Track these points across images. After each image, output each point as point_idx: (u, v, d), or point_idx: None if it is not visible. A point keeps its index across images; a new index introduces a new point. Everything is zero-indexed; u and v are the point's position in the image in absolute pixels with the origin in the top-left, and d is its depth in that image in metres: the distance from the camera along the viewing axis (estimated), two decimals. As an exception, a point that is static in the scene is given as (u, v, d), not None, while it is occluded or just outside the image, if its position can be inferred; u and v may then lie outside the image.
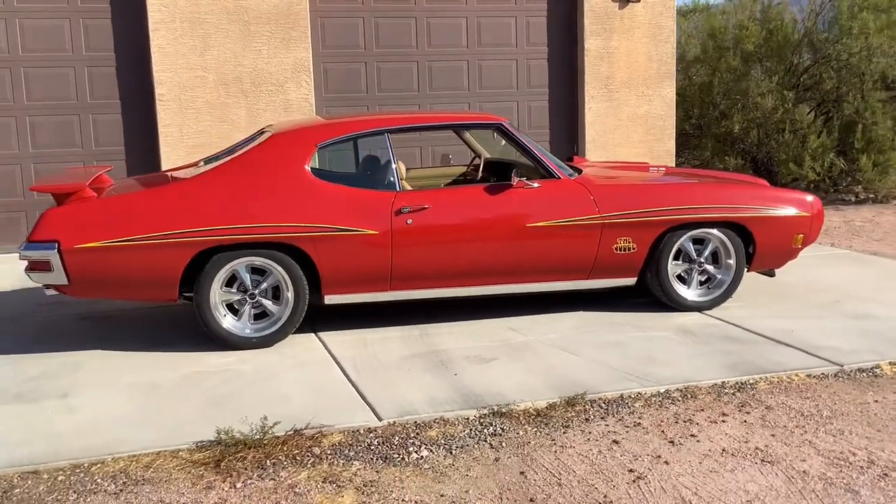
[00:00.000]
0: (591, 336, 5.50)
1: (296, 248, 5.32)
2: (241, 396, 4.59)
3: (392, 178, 5.56)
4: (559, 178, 5.75)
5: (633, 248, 5.77)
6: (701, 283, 6.04)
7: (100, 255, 5.07)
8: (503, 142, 6.20)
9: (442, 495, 3.56)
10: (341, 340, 5.53)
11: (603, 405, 4.40)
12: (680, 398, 4.48)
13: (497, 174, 6.46)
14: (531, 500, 3.52)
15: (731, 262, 5.99)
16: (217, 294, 5.29)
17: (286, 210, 5.30)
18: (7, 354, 5.41)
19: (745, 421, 4.20)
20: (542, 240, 5.62)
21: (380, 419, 4.23)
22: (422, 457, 3.90)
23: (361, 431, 4.14)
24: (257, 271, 5.39)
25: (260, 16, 9.21)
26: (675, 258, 5.93)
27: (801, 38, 12.07)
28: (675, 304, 5.95)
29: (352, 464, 3.85)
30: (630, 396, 4.49)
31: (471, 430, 4.16)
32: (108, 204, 5.24)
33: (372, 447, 4.00)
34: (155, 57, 9.00)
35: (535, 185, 5.65)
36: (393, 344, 5.44)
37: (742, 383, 4.64)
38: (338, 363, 5.08)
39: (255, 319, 5.43)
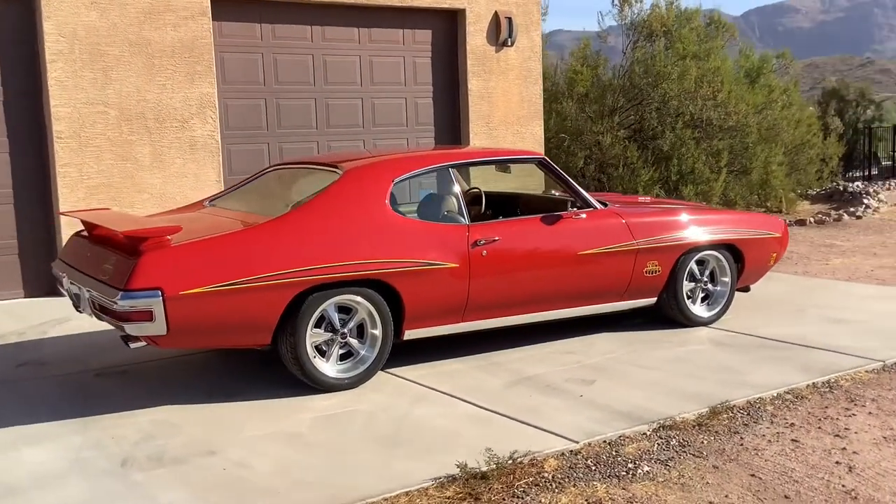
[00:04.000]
0: (646, 354, 5.90)
1: (384, 285, 5.26)
2: (404, 435, 4.50)
3: (462, 211, 5.66)
4: (597, 208, 6.13)
5: (659, 271, 6.28)
6: (702, 301, 6.66)
7: (203, 301, 4.72)
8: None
9: (711, 502, 3.80)
10: (421, 375, 5.51)
11: (742, 411, 4.82)
12: (794, 399, 5.01)
13: (492, 206, 6.71)
14: (786, 496, 3.85)
15: (727, 279, 6.68)
16: (309, 335, 5.10)
17: (375, 246, 5.24)
18: (62, 420, 4.84)
19: (870, 412, 4.81)
20: (592, 265, 5.97)
21: (576, 442, 4.35)
22: (647, 472, 4.10)
23: (566, 454, 4.25)
24: (342, 311, 5.25)
25: (164, 49, 8.74)
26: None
27: (623, 82, 13.35)
28: (687, 321, 6.52)
29: (592, 484, 3.97)
30: (755, 402, 4.95)
31: (657, 444, 4.41)
32: (205, 247, 4.89)
33: (591, 467, 4.13)
34: (52, 91, 8.24)
35: (583, 215, 6.00)
36: (477, 374, 5.52)
37: (827, 382, 5.27)
38: (454, 396, 5.09)
39: (339, 360, 5.28)
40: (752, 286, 7.05)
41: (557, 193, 7.32)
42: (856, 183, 16.84)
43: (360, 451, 4.30)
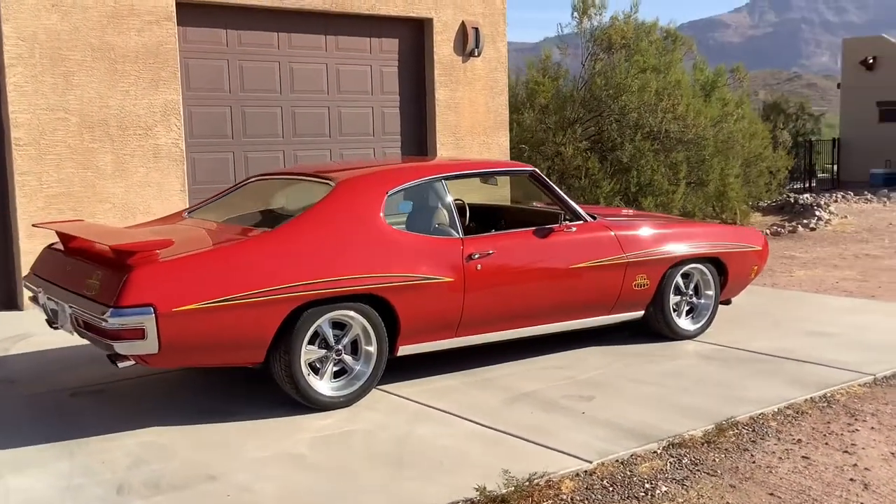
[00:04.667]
0: (638, 369, 5.84)
1: (379, 300, 5.12)
2: (409, 455, 4.36)
3: (455, 224, 5.54)
4: (587, 220, 6.06)
5: (647, 284, 6.23)
6: (686, 314, 6.63)
7: (196, 319, 4.52)
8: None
9: (735, 522, 3.74)
10: (415, 392, 5.37)
11: (746, 427, 4.78)
12: (795, 414, 4.99)
13: (474, 219, 6.61)
14: (808, 515, 3.82)
15: (711, 293, 6.66)
16: (304, 352, 4.92)
17: (371, 260, 5.09)
18: (43, 444, 4.57)
19: (872, 427, 4.81)
20: (583, 279, 5.90)
21: (589, 462, 4.26)
22: (665, 492, 4.03)
23: (581, 475, 4.15)
24: (335, 327, 5.09)
25: (127, 54, 8.46)
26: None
27: (584, 94, 13.38)
28: (673, 334, 6.48)
29: (613, 507, 3.88)
30: (758, 418, 4.91)
31: (670, 462, 4.33)
32: (198, 261, 4.68)
33: (608, 488, 4.04)
34: (11, 96, 7.91)
35: (574, 228, 5.93)
36: (471, 390, 5.40)
37: (823, 397, 5.26)
38: (453, 414, 4.96)
39: (333, 378, 5.12)
40: (732, 299, 7.06)
41: (537, 205, 7.27)
42: (805, 195, 17.14)
43: (367, 472, 4.15)
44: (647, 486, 4.07)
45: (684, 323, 6.57)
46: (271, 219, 5.58)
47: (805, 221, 14.10)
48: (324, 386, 5.02)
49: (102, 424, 4.85)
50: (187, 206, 8.56)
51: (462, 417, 4.90)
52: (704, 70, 15.33)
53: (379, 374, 5.20)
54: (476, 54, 10.73)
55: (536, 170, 6.09)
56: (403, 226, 5.64)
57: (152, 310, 4.39)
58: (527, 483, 3.98)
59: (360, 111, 10.19)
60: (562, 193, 6.09)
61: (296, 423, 4.86)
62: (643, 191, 13.20)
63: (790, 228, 13.69)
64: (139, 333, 4.39)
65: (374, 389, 5.33)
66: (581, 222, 6.02)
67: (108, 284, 4.51)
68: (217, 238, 5.06)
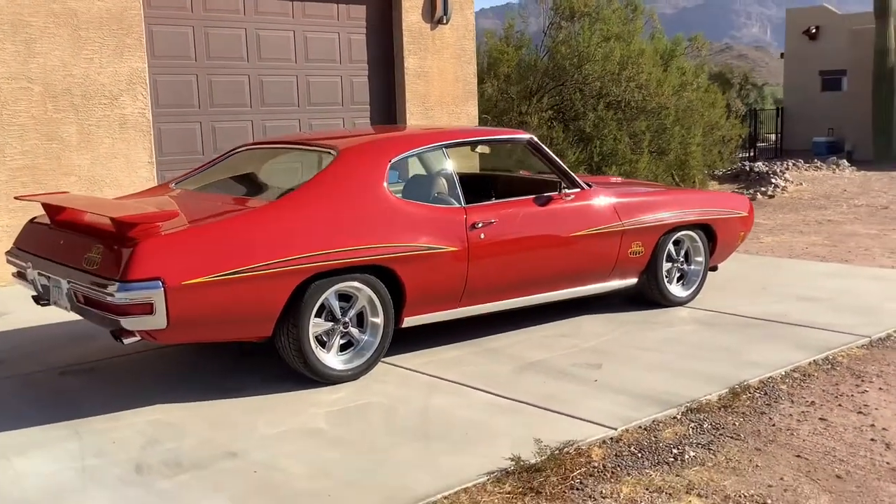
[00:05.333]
0: (639, 335, 5.83)
1: (385, 270, 5.01)
2: (433, 427, 4.29)
3: (457, 193, 5.45)
4: (584, 188, 6.01)
5: (642, 252, 6.22)
6: (677, 281, 6.65)
7: (206, 292, 4.36)
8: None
9: (770, 486, 3.73)
10: (421, 363, 5.29)
11: (758, 391, 4.80)
12: (802, 377, 5.03)
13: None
14: (838, 476, 3.83)
15: (700, 259, 6.68)
16: (312, 325, 4.79)
17: (377, 230, 4.97)
18: (44, 425, 4.38)
19: (879, 388, 4.87)
20: (582, 246, 5.86)
21: (613, 429, 4.23)
22: (693, 457, 4.01)
23: (608, 442, 4.12)
24: (341, 299, 4.97)
25: (91, 20, 8.14)
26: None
27: (547, 64, 13.32)
28: (666, 301, 6.49)
29: (645, 472, 3.85)
30: (768, 381, 4.93)
31: (691, 427, 4.33)
32: (206, 233, 4.51)
33: (637, 455, 4.01)
34: (-29, 64, 7.56)
35: (571, 196, 5.87)
36: (478, 360, 5.34)
37: (827, 359, 5.31)
38: (466, 385, 4.89)
39: (339, 351, 5.00)
40: (718, 265, 7.09)
41: (524, 173, 7.21)
42: (759, 163, 17.38)
43: (396, 447, 4.05)
44: (674, 451, 4.05)
45: (676, 289, 6.58)
46: (271, 189, 5.43)
47: (763, 189, 14.30)
48: (332, 359, 4.91)
49: (102, 403, 4.68)
50: (157, 178, 8.34)
51: (475, 388, 4.83)
52: (662, 39, 15.37)
53: (386, 346, 5.10)
54: (444, 22, 10.59)
55: (534, 137, 6.01)
56: (401, 195, 5.53)
57: (161, 283, 4.22)
58: (558, 452, 3.93)
59: (328, 80, 9.99)
60: (559, 161, 6.03)
61: (304, 397, 4.74)
62: (606, 160, 13.23)
63: (749, 196, 13.86)
64: (147, 308, 4.22)
65: (379, 362, 5.23)
66: (578, 190, 5.96)
67: (111, 258, 4.32)
68: (219, 209, 4.88)
